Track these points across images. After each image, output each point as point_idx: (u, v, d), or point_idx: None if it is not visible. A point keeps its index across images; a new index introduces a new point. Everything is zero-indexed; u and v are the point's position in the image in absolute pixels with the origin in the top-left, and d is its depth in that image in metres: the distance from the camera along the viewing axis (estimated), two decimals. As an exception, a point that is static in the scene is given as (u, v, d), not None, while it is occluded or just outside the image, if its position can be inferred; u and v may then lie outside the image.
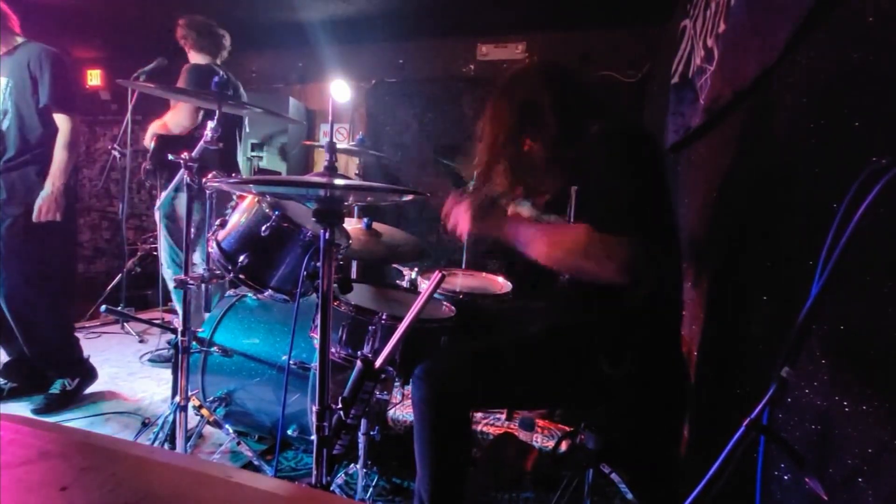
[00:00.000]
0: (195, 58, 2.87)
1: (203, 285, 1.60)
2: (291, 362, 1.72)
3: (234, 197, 1.59)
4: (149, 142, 2.66)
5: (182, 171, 1.59)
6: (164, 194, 1.95)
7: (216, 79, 1.69)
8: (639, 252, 1.08)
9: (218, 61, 2.91)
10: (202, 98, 1.75)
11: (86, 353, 2.45)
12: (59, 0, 3.79)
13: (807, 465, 0.82)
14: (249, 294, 2.04)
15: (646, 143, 1.25)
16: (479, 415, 2.35)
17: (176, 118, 2.66)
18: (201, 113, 2.67)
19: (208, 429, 1.94)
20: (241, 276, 1.45)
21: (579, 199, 1.26)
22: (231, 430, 1.78)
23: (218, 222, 1.55)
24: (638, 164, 1.18)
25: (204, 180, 1.60)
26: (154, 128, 2.71)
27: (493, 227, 1.23)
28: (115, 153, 3.53)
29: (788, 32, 1.19)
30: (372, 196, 1.23)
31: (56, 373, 2.35)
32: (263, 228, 1.39)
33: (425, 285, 1.00)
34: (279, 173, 4.27)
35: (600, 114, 1.30)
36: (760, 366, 1.13)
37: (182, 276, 1.58)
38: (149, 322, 1.91)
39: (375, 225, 1.98)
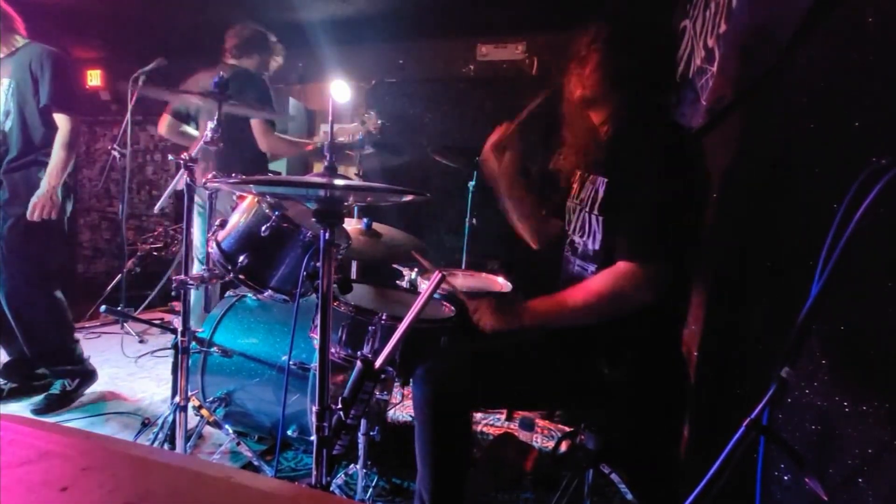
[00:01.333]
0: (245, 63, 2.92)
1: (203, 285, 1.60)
2: (291, 362, 1.72)
3: (234, 197, 1.59)
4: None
5: (182, 171, 1.59)
6: (164, 194, 1.95)
7: (216, 79, 1.69)
8: (668, 274, 1.12)
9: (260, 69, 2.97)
10: (201, 98, 1.74)
11: (86, 354, 2.44)
12: (59, 0, 3.79)
13: (807, 465, 0.82)
14: (249, 294, 2.04)
15: (684, 146, 1.25)
16: (479, 415, 2.35)
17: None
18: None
19: (208, 429, 1.94)
20: (241, 277, 1.45)
21: (606, 193, 1.26)
22: (231, 431, 1.78)
23: (218, 222, 1.55)
24: (674, 174, 1.17)
25: (204, 180, 1.60)
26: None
27: (514, 321, 1.23)
28: (115, 153, 3.53)
29: (788, 32, 1.19)
30: (372, 196, 1.23)
31: (56, 373, 2.35)
32: (263, 229, 1.39)
33: (425, 285, 1.00)
34: (279, 173, 4.27)
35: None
36: (760, 366, 1.13)
37: (182, 276, 1.58)
38: (149, 322, 1.91)
39: (375, 225, 1.97)
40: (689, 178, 1.21)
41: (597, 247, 1.28)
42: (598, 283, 1.17)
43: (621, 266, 1.14)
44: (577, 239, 1.37)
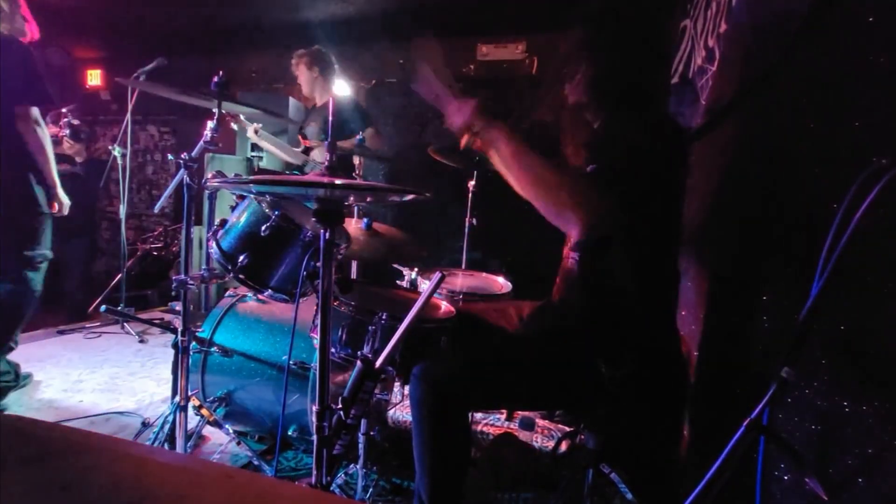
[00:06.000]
0: (322, 86, 3.16)
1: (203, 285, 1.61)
2: (291, 362, 1.72)
3: (234, 197, 1.59)
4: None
5: (182, 171, 1.59)
6: (164, 194, 1.95)
7: (216, 78, 1.69)
8: (599, 201, 1.09)
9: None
10: (203, 98, 1.74)
11: (84, 354, 2.44)
12: (59, 0, 3.79)
13: (807, 465, 0.82)
14: (249, 294, 2.04)
15: (677, 143, 1.24)
16: (479, 415, 2.35)
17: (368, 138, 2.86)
18: None
19: (208, 429, 1.94)
20: (241, 276, 1.45)
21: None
22: (231, 430, 1.78)
23: (218, 222, 1.55)
24: (658, 163, 1.16)
25: (204, 180, 1.60)
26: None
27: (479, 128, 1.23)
28: (116, 153, 3.53)
29: (788, 32, 1.19)
30: (372, 196, 1.22)
31: None
32: (263, 228, 1.39)
33: (425, 285, 1.00)
34: (280, 173, 4.27)
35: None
36: (760, 366, 1.13)
37: (182, 276, 1.58)
38: (149, 322, 1.91)
39: (375, 225, 1.97)
40: (669, 164, 1.20)
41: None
42: (559, 172, 1.15)
43: (582, 185, 1.13)
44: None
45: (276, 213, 1.41)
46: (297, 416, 1.79)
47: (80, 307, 3.80)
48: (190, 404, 1.64)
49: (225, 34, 4.44)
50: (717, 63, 1.81)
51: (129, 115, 3.37)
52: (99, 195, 5.62)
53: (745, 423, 0.76)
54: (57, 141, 3.38)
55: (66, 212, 2.42)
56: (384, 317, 1.36)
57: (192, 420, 1.70)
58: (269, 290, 1.47)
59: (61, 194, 2.38)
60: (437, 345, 1.42)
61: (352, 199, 1.27)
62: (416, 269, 2.21)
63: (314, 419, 0.99)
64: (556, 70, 1.37)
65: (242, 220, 1.50)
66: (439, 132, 4.16)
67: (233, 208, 1.58)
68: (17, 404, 2.32)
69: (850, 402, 0.81)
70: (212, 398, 1.90)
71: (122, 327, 3.49)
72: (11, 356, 2.42)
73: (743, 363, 1.24)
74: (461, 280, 2.16)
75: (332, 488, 1.07)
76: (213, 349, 1.87)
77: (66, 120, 3.40)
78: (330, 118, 1.08)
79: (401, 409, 2.39)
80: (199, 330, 1.90)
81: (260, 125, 2.85)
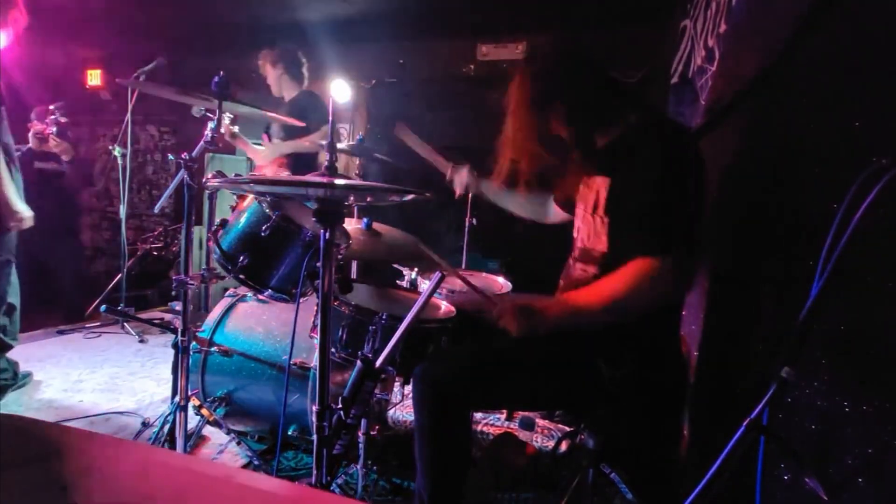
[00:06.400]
0: (289, 83, 3.08)
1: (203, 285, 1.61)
2: (291, 362, 1.72)
3: (234, 197, 1.59)
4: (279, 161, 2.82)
5: (182, 171, 1.59)
6: (164, 194, 1.95)
7: (216, 78, 1.69)
8: (685, 263, 1.13)
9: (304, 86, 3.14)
10: (202, 99, 1.74)
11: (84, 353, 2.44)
12: (59, 0, 3.79)
13: (807, 465, 0.82)
14: (249, 294, 2.04)
15: (683, 140, 1.25)
16: (479, 415, 2.35)
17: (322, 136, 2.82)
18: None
19: (208, 429, 1.94)
20: (242, 276, 1.45)
21: (610, 193, 1.26)
22: (231, 430, 1.78)
23: (218, 222, 1.55)
24: (676, 167, 1.17)
25: (204, 180, 1.60)
26: (288, 148, 2.88)
27: (535, 326, 1.20)
28: (116, 153, 3.53)
29: (788, 32, 1.19)
30: (372, 196, 1.23)
31: None
32: (263, 228, 1.39)
33: (425, 285, 1.00)
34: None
35: (633, 104, 1.30)
36: (760, 366, 1.13)
37: (182, 276, 1.58)
38: (149, 322, 1.91)
39: (375, 225, 1.97)
40: (692, 174, 1.20)
41: (603, 248, 1.27)
42: (615, 280, 1.15)
43: (638, 261, 1.13)
44: (579, 243, 1.37)
45: (277, 213, 1.41)
46: (298, 416, 1.79)
47: (76, 308, 3.78)
48: (190, 404, 1.64)
49: (225, 34, 4.44)
50: (716, 63, 1.81)
51: (129, 115, 3.37)
52: (99, 195, 5.63)
53: (745, 423, 0.76)
54: (43, 138, 3.35)
55: (28, 224, 2.19)
56: (384, 317, 1.36)
57: (192, 420, 1.70)
58: (270, 291, 1.47)
59: (20, 207, 2.16)
60: (438, 345, 1.42)
61: (352, 198, 1.27)
62: (416, 269, 2.21)
63: (314, 419, 0.99)
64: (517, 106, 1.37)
65: (243, 220, 1.50)
66: (439, 132, 4.16)
67: (233, 208, 1.58)
68: (17, 404, 2.32)
69: (850, 402, 0.81)
70: (212, 398, 1.90)
71: (122, 327, 3.49)
72: (11, 354, 2.42)
73: (743, 363, 1.24)
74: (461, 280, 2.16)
75: (332, 488, 1.07)
76: (213, 349, 1.87)
77: (52, 117, 3.36)
78: (330, 118, 1.08)
79: (401, 409, 2.39)
80: (199, 330, 1.90)
81: (236, 127, 2.80)
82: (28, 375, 2.53)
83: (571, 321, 1.20)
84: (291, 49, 3.11)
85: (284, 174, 2.74)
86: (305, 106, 3.01)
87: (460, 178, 1.76)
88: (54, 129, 3.37)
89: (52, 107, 3.36)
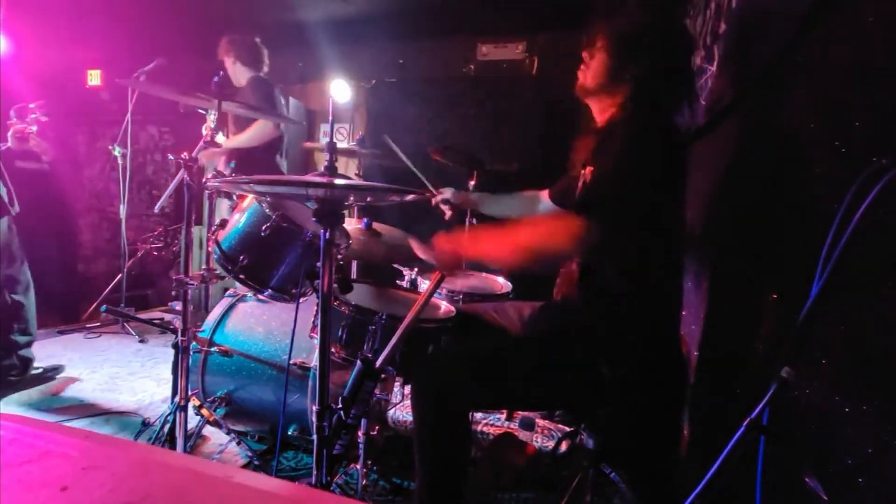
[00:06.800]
0: (242, 71, 3.00)
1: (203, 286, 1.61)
2: (291, 362, 1.72)
3: (234, 197, 1.59)
4: (215, 159, 2.69)
5: (182, 171, 1.59)
6: (164, 194, 1.95)
7: (216, 78, 1.69)
8: (596, 235, 1.10)
9: (261, 73, 3.05)
10: (202, 99, 1.74)
11: (84, 353, 2.45)
12: (59, 0, 3.79)
13: (807, 465, 0.82)
14: (249, 294, 2.04)
15: (665, 138, 1.24)
16: (479, 415, 2.35)
17: (263, 130, 2.78)
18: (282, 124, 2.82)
19: (208, 429, 1.94)
20: (242, 277, 1.45)
21: (590, 181, 1.27)
22: (231, 430, 1.78)
23: (218, 222, 1.55)
24: (643, 152, 1.17)
25: (204, 180, 1.60)
26: (229, 143, 2.79)
27: (456, 244, 1.21)
28: (116, 153, 3.53)
29: (788, 32, 1.19)
30: (372, 196, 1.23)
31: None
32: (263, 229, 1.39)
33: (425, 285, 1.00)
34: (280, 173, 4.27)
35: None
36: (760, 366, 1.13)
37: (182, 276, 1.58)
38: (149, 322, 1.91)
39: (375, 225, 1.97)
40: (660, 161, 1.20)
41: None
42: (536, 226, 1.18)
43: (568, 217, 1.15)
44: None
45: (277, 213, 1.41)
46: (298, 416, 1.79)
47: (72, 309, 3.76)
48: (190, 404, 1.64)
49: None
50: (716, 63, 1.81)
51: (129, 115, 3.37)
52: (99, 195, 5.63)
53: (745, 423, 0.76)
54: (24, 138, 3.32)
55: None
56: (384, 317, 1.36)
57: (192, 420, 1.70)
58: (270, 291, 1.47)
59: None
60: (438, 345, 1.42)
61: (352, 198, 1.27)
62: (416, 269, 2.21)
63: (314, 419, 0.99)
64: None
65: (243, 220, 1.50)
66: (439, 132, 4.16)
67: (233, 208, 1.58)
68: (18, 403, 2.32)
69: (850, 402, 0.81)
70: (212, 398, 1.90)
71: (122, 327, 3.49)
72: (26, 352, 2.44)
73: (743, 363, 1.24)
74: (461, 280, 2.16)
75: (332, 488, 1.07)
76: (213, 349, 1.87)
77: (33, 116, 3.33)
78: (330, 118, 1.08)
79: (401, 409, 2.39)
80: (200, 330, 1.90)
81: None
82: (47, 370, 2.56)
83: (483, 253, 1.20)
84: (243, 37, 3.05)
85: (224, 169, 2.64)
86: (250, 92, 2.91)
87: (446, 201, 1.77)
88: (35, 127, 3.33)
89: (32, 105, 3.33)
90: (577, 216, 1.13)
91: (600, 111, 1.36)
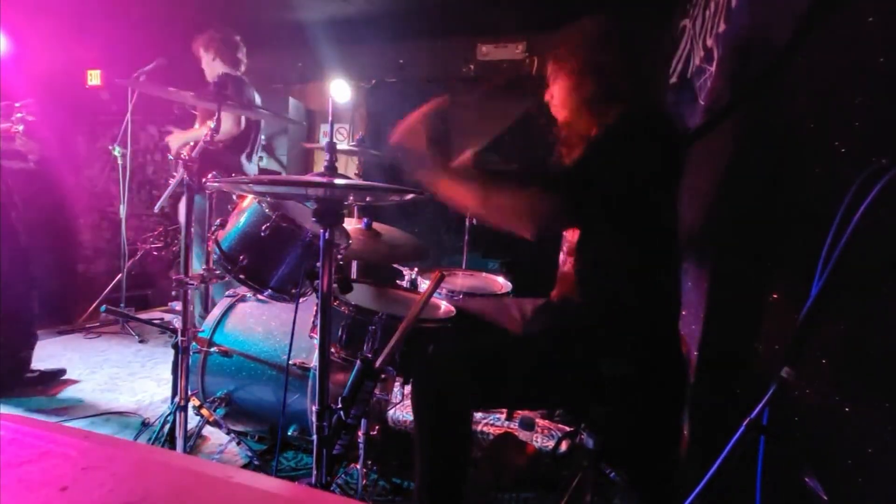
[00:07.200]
0: (221, 68, 2.95)
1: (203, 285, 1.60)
2: (291, 362, 1.72)
3: (234, 198, 1.59)
4: (182, 151, 2.66)
5: (182, 171, 1.59)
6: (164, 194, 1.95)
7: (215, 78, 1.69)
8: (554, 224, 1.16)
9: (239, 71, 3.01)
10: (202, 99, 1.74)
11: (84, 353, 2.45)
12: (59, 0, 3.79)
13: (807, 465, 0.82)
14: (249, 294, 2.04)
15: (660, 137, 1.24)
16: (479, 415, 2.35)
17: (225, 126, 2.71)
18: (243, 119, 2.74)
19: (208, 429, 1.94)
20: (242, 277, 1.45)
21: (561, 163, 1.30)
22: (231, 430, 1.78)
23: (218, 222, 1.55)
24: (642, 164, 1.16)
25: (204, 180, 1.60)
26: (188, 137, 2.74)
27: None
28: (116, 153, 3.53)
29: (788, 32, 1.19)
30: (372, 196, 1.23)
31: None
32: (263, 229, 1.39)
33: (425, 285, 1.00)
34: (279, 173, 4.27)
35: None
36: (760, 366, 1.13)
37: (182, 276, 1.58)
38: (149, 322, 1.91)
39: (375, 225, 1.97)
40: (666, 168, 1.20)
41: (574, 238, 1.30)
42: (508, 199, 1.20)
43: (541, 194, 1.16)
44: (568, 235, 1.38)
45: (276, 213, 1.41)
46: (297, 416, 1.79)
47: (72, 309, 3.75)
48: (190, 404, 1.64)
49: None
50: (715, 63, 1.81)
51: (128, 115, 3.37)
52: (98, 195, 5.62)
53: (745, 423, 0.76)
54: (9, 137, 3.29)
55: None
56: (384, 317, 1.36)
57: (192, 420, 1.70)
58: (270, 291, 1.47)
59: None
60: (438, 345, 1.42)
61: (351, 198, 1.27)
62: (416, 269, 2.21)
63: (314, 419, 0.99)
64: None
65: (242, 220, 1.50)
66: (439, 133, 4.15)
67: (233, 208, 1.58)
68: (18, 404, 2.32)
69: (850, 402, 0.81)
70: (212, 398, 1.90)
71: (122, 327, 3.49)
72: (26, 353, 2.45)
73: (743, 363, 1.24)
74: (461, 280, 2.16)
75: (332, 488, 1.07)
76: (212, 349, 1.87)
77: (18, 115, 3.30)
78: (330, 118, 1.08)
79: (401, 409, 2.39)
80: (199, 330, 1.90)
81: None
82: (57, 374, 2.55)
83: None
84: (225, 34, 3.01)
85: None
86: (218, 85, 2.89)
87: None
88: (21, 127, 3.31)
89: (18, 104, 3.30)
90: (547, 197, 1.15)
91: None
